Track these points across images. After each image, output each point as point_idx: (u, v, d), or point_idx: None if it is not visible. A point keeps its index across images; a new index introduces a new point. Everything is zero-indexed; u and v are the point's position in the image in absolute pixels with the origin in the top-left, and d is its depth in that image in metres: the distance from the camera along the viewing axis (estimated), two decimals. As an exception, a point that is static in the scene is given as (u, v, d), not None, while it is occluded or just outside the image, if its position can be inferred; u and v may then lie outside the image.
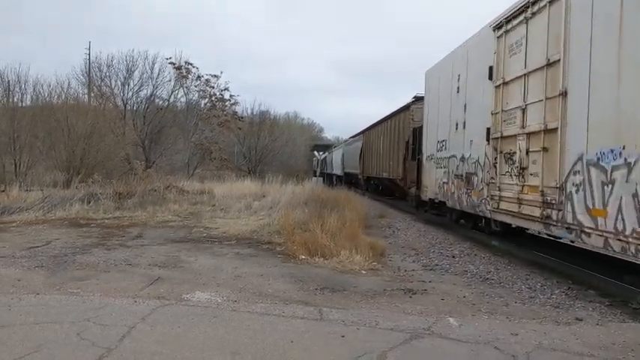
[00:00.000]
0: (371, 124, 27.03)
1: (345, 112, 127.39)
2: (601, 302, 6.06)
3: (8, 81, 24.39)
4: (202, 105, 35.07)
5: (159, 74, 31.66)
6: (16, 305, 5.32)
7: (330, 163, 47.51)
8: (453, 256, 9.01)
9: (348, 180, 34.74)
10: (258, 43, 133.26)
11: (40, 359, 3.93)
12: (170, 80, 32.48)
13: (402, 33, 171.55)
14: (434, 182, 13.21)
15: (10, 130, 20.02)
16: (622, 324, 5.24)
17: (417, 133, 15.33)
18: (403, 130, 18.12)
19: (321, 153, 54.95)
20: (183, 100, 35.19)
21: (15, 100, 24.45)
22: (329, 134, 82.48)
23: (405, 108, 18.53)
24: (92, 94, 30.68)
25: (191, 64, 32.57)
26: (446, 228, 13.22)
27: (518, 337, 4.60)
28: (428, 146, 14.01)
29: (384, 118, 22.73)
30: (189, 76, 32.99)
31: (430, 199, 13.60)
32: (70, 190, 15.88)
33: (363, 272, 7.31)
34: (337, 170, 40.39)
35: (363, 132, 29.41)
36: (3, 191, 16.30)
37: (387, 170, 20.94)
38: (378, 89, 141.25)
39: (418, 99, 16.77)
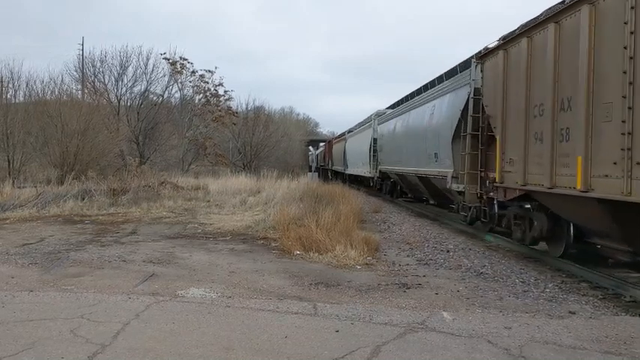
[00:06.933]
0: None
1: (340, 108, 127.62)
2: (594, 295, 6.11)
3: (1, 77, 24.22)
4: (197, 100, 35.05)
5: (153, 70, 31.52)
6: (9, 302, 5.31)
7: (338, 157, 34.08)
8: (448, 251, 9.03)
9: (385, 186, 21.08)
10: (253, 41, 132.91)
11: (34, 356, 3.92)
12: (164, 76, 32.38)
13: (398, 31, 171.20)
14: None
15: (3, 126, 19.90)
16: (615, 317, 5.27)
17: None
18: None
19: (321, 144, 51.87)
20: (177, 95, 35.22)
21: (8, 96, 24.31)
22: (324, 129, 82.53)
23: None
24: (86, 90, 30.54)
25: (185, 60, 32.51)
26: (440, 223, 13.26)
27: (511, 331, 4.63)
28: None
29: None
30: (184, 72, 32.92)
31: None
32: (64, 187, 15.83)
33: (358, 267, 7.33)
34: (356, 167, 26.51)
35: (462, 66, 12.18)
36: (-4, 188, 16.20)
37: None
38: (374, 86, 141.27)
39: None
